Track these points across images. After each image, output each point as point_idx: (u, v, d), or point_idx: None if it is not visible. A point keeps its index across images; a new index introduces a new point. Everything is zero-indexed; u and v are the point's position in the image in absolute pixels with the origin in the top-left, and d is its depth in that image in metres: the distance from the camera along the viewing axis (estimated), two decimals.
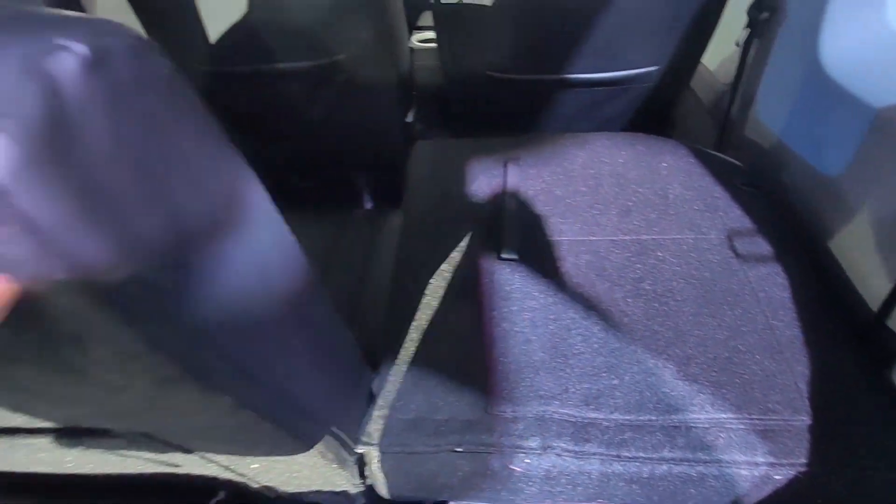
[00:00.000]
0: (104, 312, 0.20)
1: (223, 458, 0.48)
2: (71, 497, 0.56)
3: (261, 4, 0.94)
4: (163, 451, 0.43)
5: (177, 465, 0.48)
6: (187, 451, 0.44)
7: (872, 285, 0.65)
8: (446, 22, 1.01)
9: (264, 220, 0.32)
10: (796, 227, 0.77)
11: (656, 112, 1.14)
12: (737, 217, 0.77)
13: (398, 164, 0.98)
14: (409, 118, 1.35)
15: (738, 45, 0.94)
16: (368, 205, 1.08)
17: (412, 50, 1.39)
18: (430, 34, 1.39)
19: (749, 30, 0.91)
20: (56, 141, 0.16)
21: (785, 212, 0.79)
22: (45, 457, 0.47)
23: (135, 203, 0.20)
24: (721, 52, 1.08)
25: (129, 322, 0.21)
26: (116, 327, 0.22)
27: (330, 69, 1.01)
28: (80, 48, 0.17)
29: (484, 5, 0.93)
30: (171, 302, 0.22)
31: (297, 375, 0.37)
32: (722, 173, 0.84)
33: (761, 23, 0.88)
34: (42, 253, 0.18)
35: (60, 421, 0.38)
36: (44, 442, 0.39)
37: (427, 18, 1.49)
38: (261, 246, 0.31)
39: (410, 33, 1.44)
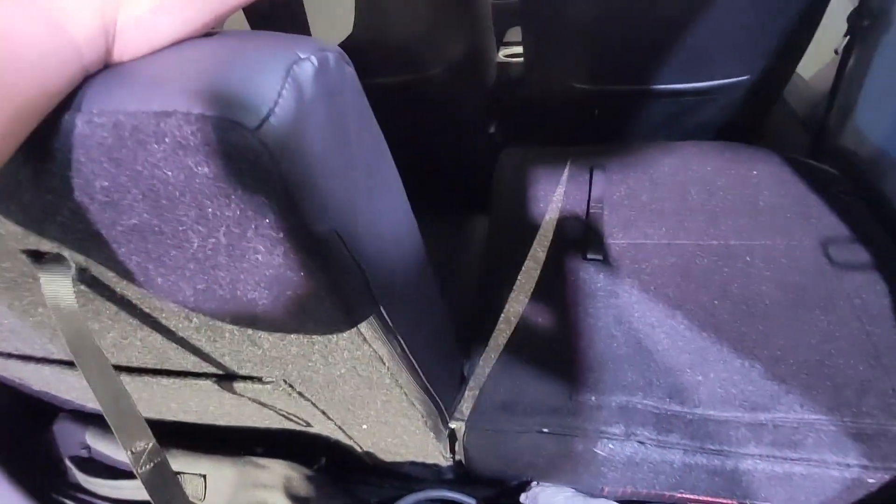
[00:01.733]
0: (308, 258, 0.27)
1: (339, 418, 0.55)
2: (188, 440, 0.64)
3: (364, 26, 1.04)
4: (296, 405, 0.51)
5: (307, 424, 0.56)
6: (315, 405, 0.51)
7: None
8: (534, 36, 1.06)
9: (399, 200, 0.39)
10: (894, 234, 0.75)
11: (747, 122, 1.12)
12: (832, 224, 0.76)
13: (482, 173, 1.03)
14: (492, 129, 1.42)
15: (836, 52, 0.92)
16: (456, 210, 1.14)
17: (499, 64, 1.46)
18: (517, 49, 1.45)
19: (849, 37, 0.89)
20: (299, 125, 0.23)
21: (885, 220, 0.77)
22: (194, 405, 0.56)
23: (334, 171, 0.26)
24: (816, 60, 1.05)
25: (323, 268, 0.28)
26: (312, 274, 0.28)
27: (423, 83, 1.10)
28: (313, 58, 0.24)
29: (572, 19, 0.97)
30: (349, 247, 0.29)
31: (418, 335, 0.43)
32: (816, 181, 0.82)
33: (863, 30, 0.86)
34: (278, 208, 0.25)
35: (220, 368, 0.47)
36: (207, 384, 0.48)
37: (513, 34, 1.55)
38: (397, 217, 0.37)
39: (498, 49, 1.51)
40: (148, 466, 0.33)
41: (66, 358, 0.49)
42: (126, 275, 0.32)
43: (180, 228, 0.26)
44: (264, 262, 0.28)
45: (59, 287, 0.31)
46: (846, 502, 0.54)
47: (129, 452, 0.33)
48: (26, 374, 0.56)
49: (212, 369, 0.46)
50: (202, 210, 0.25)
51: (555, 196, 0.88)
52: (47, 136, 0.23)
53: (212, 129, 0.22)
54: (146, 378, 0.48)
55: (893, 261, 0.70)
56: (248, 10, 1.11)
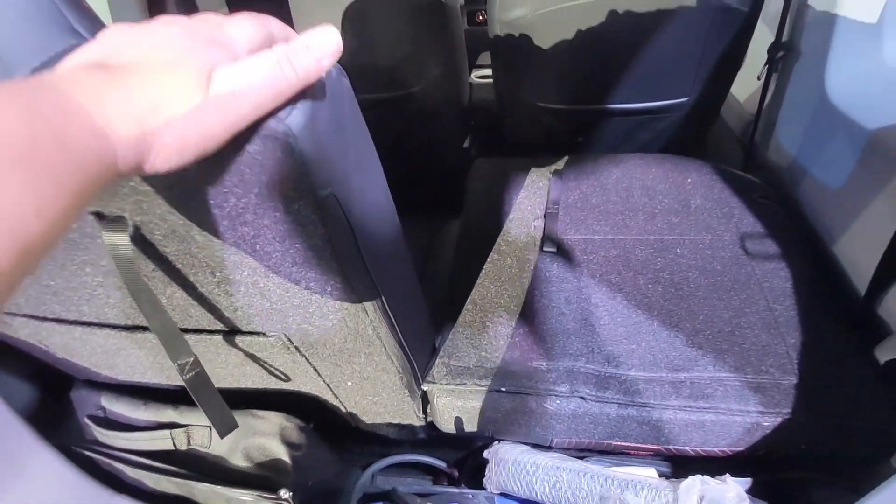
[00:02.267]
0: (313, 214, 0.38)
1: (328, 375, 0.64)
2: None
3: (352, 48, 1.16)
4: (292, 361, 0.61)
5: (288, 379, 0.66)
6: (308, 360, 0.61)
7: (866, 279, 0.76)
8: (502, 61, 1.19)
9: (380, 181, 0.50)
10: (804, 231, 0.88)
11: (691, 137, 1.27)
12: (750, 223, 0.89)
13: (456, 182, 1.15)
14: (466, 144, 1.55)
15: (759, 78, 1.07)
16: (433, 213, 1.25)
17: (471, 85, 1.59)
18: (487, 71, 1.59)
19: (768, 66, 1.04)
20: (312, 117, 0.34)
21: (795, 219, 0.91)
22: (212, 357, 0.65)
23: (334, 153, 0.38)
24: (747, 85, 1.20)
25: (324, 222, 0.39)
26: (316, 228, 0.39)
27: (404, 100, 1.22)
28: (338, 68, 0.36)
29: (536, 46, 1.11)
30: (343, 209, 0.40)
31: (395, 295, 0.54)
32: (740, 188, 0.96)
33: (778, 60, 1.01)
34: (296, 174, 0.35)
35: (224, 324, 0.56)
36: (217, 339, 0.57)
37: (484, 58, 1.70)
38: (378, 193, 0.49)
39: (470, 71, 1.65)
40: (191, 374, 0.43)
41: (94, 320, 0.59)
42: (171, 233, 0.42)
43: (223, 191, 0.37)
44: (280, 218, 0.39)
45: (118, 240, 0.41)
46: (747, 443, 0.66)
47: (176, 364, 0.43)
48: (54, 339, 0.64)
49: (221, 326, 0.56)
50: (242, 176, 0.36)
51: (518, 199, 1.00)
52: None
53: (256, 126, 0.33)
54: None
55: (798, 252, 0.83)
56: None
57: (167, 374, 0.68)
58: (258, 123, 0.33)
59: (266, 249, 0.42)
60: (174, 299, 0.52)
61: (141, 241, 0.44)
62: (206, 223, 0.40)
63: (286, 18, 1.22)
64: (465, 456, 0.83)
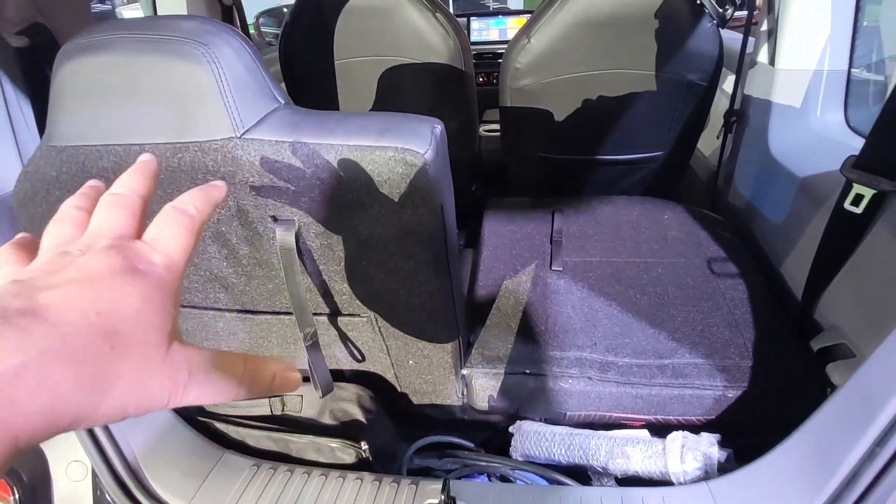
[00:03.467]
0: (428, 216, 0.59)
1: (396, 353, 0.83)
2: None
3: (384, 105, 1.40)
4: (371, 340, 0.79)
5: (363, 359, 0.84)
6: (385, 339, 0.79)
7: (802, 289, 0.98)
8: (508, 117, 1.44)
9: (452, 202, 0.71)
10: (756, 255, 1.11)
11: (666, 183, 1.52)
12: (714, 250, 1.12)
13: (465, 221, 1.37)
14: (474, 188, 1.78)
15: (718, 137, 1.33)
16: None
17: (480, 137, 1.84)
18: (494, 126, 1.85)
19: (724, 128, 1.30)
20: (436, 153, 0.55)
21: (749, 246, 1.14)
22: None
23: (443, 177, 0.59)
24: (712, 142, 1.47)
25: (431, 223, 0.59)
26: (425, 227, 0.60)
27: None
28: (436, 125, 0.57)
29: (539, 108, 1.36)
30: (443, 213, 0.60)
31: (458, 289, 0.73)
32: (706, 223, 1.20)
33: (732, 124, 1.28)
34: (427, 190, 0.56)
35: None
36: (323, 320, 0.76)
37: (491, 114, 1.96)
38: (454, 211, 0.69)
39: (479, 125, 1.91)
40: (311, 342, 0.62)
41: (224, 306, 0.77)
42: (322, 232, 0.62)
43: (370, 200, 0.57)
44: (405, 220, 0.59)
45: (286, 236, 0.61)
46: (716, 412, 0.85)
47: (302, 333, 0.62)
48: (182, 325, 0.82)
49: (327, 309, 0.74)
50: (388, 188, 0.56)
51: (528, 230, 1.22)
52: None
53: (405, 154, 0.54)
54: (282, 318, 0.76)
55: (752, 271, 1.06)
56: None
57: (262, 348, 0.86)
58: (408, 156, 0.54)
59: (386, 243, 0.62)
60: (305, 283, 0.71)
61: (298, 237, 0.64)
62: (351, 225, 0.61)
63: (331, 88, 1.46)
64: (489, 437, 1.00)
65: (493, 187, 1.77)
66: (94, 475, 0.70)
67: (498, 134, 1.57)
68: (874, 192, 0.75)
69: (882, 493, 0.56)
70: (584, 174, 1.49)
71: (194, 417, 0.82)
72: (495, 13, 2.37)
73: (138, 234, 0.26)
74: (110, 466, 0.70)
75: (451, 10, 1.75)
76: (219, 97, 0.55)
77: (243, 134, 0.57)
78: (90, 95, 0.56)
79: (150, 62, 0.54)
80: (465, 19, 2.26)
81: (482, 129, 1.96)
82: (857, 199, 0.77)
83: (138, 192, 0.28)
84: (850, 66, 1.07)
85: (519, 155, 1.52)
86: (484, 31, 2.32)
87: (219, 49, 0.55)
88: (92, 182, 0.30)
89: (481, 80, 2.12)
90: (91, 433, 0.70)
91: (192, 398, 0.24)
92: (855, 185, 0.77)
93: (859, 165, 0.76)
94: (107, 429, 0.71)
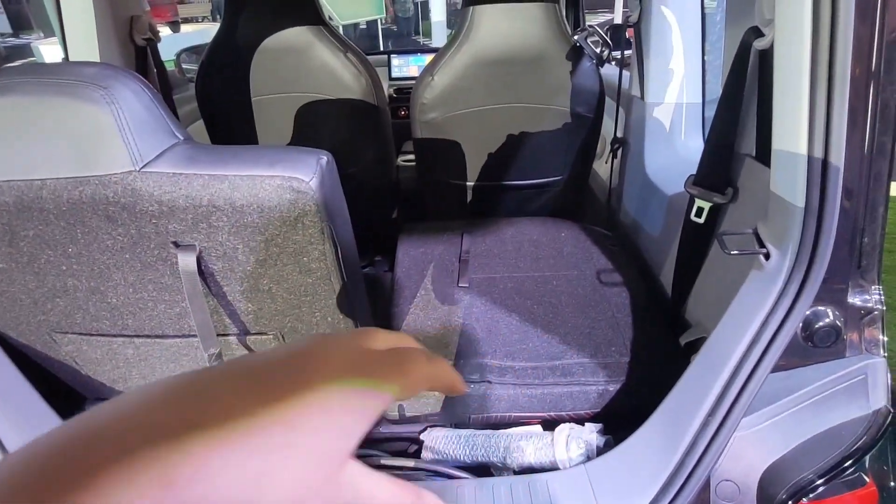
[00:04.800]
0: (319, 235, 0.65)
1: None
2: None
3: (301, 137, 1.47)
4: None
5: None
6: None
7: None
8: (423, 148, 1.54)
9: (348, 226, 0.78)
10: (640, 266, 1.25)
11: (568, 204, 1.66)
12: (603, 262, 1.25)
13: (388, 244, 1.45)
14: (394, 215, 1.87)
15: (605, 162, 1.49)
16: (368, 268, 1.53)
17: (398, 166, 1.94)
18: (410, 156, 1.95)
19: (612, 153, 1.46)
20: (322, 180, 0.63)
21: (634, 258, 1.28)
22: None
23: (333, 201, 0.66)
24: (607, 165, 1.63)
25: (323, 241, 0.66)
26: (316, 246, 0.66)
27: (346, 179, 1.52)
28: (322, 155, 0.65)
29: (447, 139, 1.47)
30: (332, 232, 0.67)
31: (361, 303, 0.80)
32: (597, 239, 1.33)
33: (617, 149, 1.43)
34: (315, 213, 0.63)
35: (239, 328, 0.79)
36: (233, 340, 0.80)
37: (407, 146, 2.06)
38: (349, 232, 0.76)
39: (397, 155, 2.01)
40: (215, 363, 0.66)
41: (132, 332, 0.80)
42: (223, 255, 0.67)
43: (264, 224, 0.64)
44: (298, 241, 0.66)
45: (188, 260, 0.66)
46: (601, 405, 0.95)
47: (206, 354, 0.66)
48: (89, 354, 0.83)
49: (236, 329, 0.79)
50: (280, 214, 0.63)
51: (438, 251, 1.31)
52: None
53: (292, 182, 0.61)
54: (191, 340, 0.80)
55: (634, 279, 1.19)
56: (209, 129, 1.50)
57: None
58: (294, 183, 0.61)
59: (284, 262, 0.69)
60: (210, 305, 0.75)
61: (200, 261, 0.69)
62: (249, 247, 0.66)
63: (249, 124, 1.51)
64: (405, 448, 1.06)
65: (413, 212, 1.86)
66: None
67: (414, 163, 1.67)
68: (710, 204, 0.88)
69: (714, 453, 0.67)
70: (492, 198, 1.61)
71: None
72: (415, 51, 2.51)
73: None
74: None
75: (381, 48, 1.85)
76: (118, 134, 0.60)
77: (143, 168, 0.62)
78: None
79: (51, 103, 0.59)
80: (385, 56, 2.39)
81: (401, 158, 2.06)
82: (699, 212, 0.91)
83: None
84: (704, 98, 1.24)
85: (432, 182, 1.62)
86: (404, 67, 2.45)
87: (118, 91, 0.60)
88: None
89: (402, 113, 2.23)
90: None
91: None
92: (696, 200, 0.91)
93: (697, 182, 0.90)
94: None
